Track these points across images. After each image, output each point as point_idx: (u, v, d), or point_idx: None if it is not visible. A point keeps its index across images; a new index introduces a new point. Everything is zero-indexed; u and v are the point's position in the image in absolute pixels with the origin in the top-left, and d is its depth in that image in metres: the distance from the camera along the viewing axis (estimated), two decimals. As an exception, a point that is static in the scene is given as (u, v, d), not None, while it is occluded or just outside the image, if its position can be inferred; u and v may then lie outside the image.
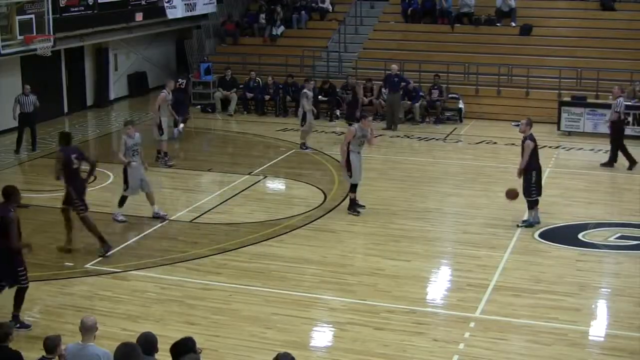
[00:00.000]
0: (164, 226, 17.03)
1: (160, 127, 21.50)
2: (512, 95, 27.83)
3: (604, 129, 23.67)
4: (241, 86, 29.16)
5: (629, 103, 24.73)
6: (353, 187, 17.85)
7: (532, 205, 16.91)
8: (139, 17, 29.06)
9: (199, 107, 29.62)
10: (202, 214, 17.99)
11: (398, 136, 25.52)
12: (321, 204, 18.57)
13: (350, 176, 17.71)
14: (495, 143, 24.41)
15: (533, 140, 16.82)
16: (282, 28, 32.48)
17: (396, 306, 13.27)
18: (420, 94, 27.35)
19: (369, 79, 28.17)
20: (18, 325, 12.21)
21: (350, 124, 23.01)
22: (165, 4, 29.42)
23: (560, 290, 13.89)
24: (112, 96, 30.69)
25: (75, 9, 26.08)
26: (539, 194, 16.98)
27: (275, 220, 17.54)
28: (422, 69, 28.40)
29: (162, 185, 19.87)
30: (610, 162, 21.53)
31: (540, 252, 15.71)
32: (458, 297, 13.69)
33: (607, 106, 23.12)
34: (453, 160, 22.69)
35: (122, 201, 17.39)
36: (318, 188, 19.59)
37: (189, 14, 30.95)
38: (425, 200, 18.99)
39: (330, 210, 18.14)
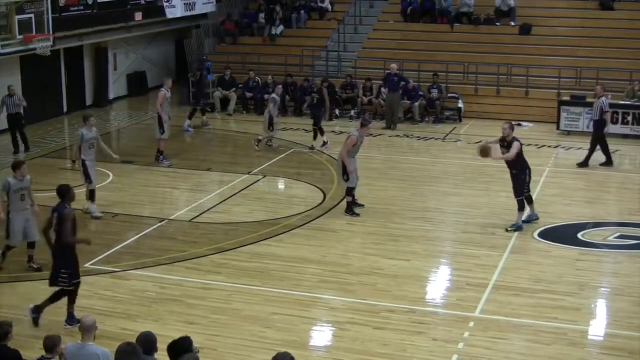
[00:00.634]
0: (163, 225, 17.03)
1: (161, 126, 21.50)
2: (512, 95, 27.84)
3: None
4: (240, 85, 29.18)
5: (629, 102, 24.80)
6: (349, 190, 17.86)
7: (522, 206, 16.90)
8: (138, 16, 29.08)
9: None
10: (202, 214, 17.99)
11: (397, 135, 25.52)
12: (320, 204, 18.57)
13: (347, 180, 17.73)
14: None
15: (519, 142, 16.92)
16: (281, 27, 32.47)
17: (396, 305, 13.27)
18: (420, 93, 27.35)
19: (368, 78, 28.21)
20: (34, 315, 12.44)
21: (318, 128, 23.07)
22: (165, 4, 29.40)
23: (560, 289, 13.89)
24: (111, 95, 30.69)
25: (75, 9, 26.12)
26: (529, 190, 17.01)
27: (275, 220, 17.54)
28: (422, 69, 28.40)
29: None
30: (609, 161, 21.53)
31: (539, 252, 15.71)
32: (457, 297, 13.69)
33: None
34: (452, 160, 22.69)
35: (92, 196, 17.49)
36: (317, 187, 19.59)
37: (188, 13, 30.93)
38: (425, 200, 18.99)
39: (330, 210, 18.13)
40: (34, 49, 21.60)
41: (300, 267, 14.94)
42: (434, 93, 27.30)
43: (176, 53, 34.17)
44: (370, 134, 25.19)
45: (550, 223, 17.18)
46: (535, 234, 16.55)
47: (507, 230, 16.72)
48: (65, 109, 28.70)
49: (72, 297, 12.54)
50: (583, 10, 30.68)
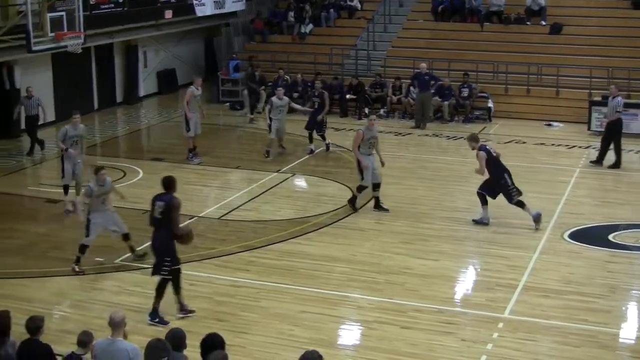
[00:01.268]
0: (193, 222, 17.06)
1: (187, 123, 21.59)
2: (542, 95, 27.68)
3: (636, 128, 23.60)
4: (270, 84, 29.19)
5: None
6: (360, 188, 17.88)
7: (522, 204, 16.84)
8: (168, 14, 29.22)
9: (227, 104, 29.72)
10: (231, 211, 18.03)
11: (427, 135, 25.45)
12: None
13: (362, 179, 17.75)
14: (524, 142, 24.28)
15: (485, 150, 16.86)
16: (310, 26, 32.49)
17: (424, 305, 13.23)
18: (452, 92, 27.28)
19: (397, 78, 28.18)
20: (157, 319, 12.50)
21: (321, 136, 22.78)
22: (195, 2, 29.53)
23: (590, 291, 13.79)
24: (141, 93, 30.85)
25: (106, 7, 26.31)
26: (520, 193, 16.94)
27: (304, 218, 17.56)
28: (451, 68, 28.32)
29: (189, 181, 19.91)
30: (618, 163, 21.37)
31: (569, 253, 15.60)
32: (487, 297, 13.62)
33: (638, 106, 22.97)
34: (482, 160, 22.54)
35: (66, 190, 17.71)
36: (346, 186, 19.55)
37: (218, 11, 31.06)
38: (454, 200, 18.91)
39: (359, 209, 18.11)
40: (66, 46, 21.71)
41: (328, 266, 14.94)
42: (465, 92, 27.21)
43: (206, 51, 34.31)
44: (399, 133, 25.20)
45: (581, 224, 17.07)
46: (566, 235, 16.43)
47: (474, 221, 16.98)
48: (96, 106, 28.88)
49: (162, 291, 12.64)
50: (615, 9, 30.43)
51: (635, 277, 14.66)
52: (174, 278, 12.62)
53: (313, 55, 30.40)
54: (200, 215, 17.69)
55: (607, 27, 29.84)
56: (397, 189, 18.80)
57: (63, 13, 21.25)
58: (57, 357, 9.32)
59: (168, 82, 32.20)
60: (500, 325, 12.58)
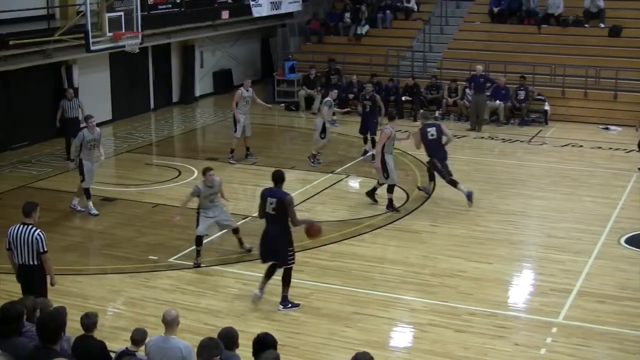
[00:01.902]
0: (247, 222, 17.11)
1: (235, 124, 21.81)
2: (600, 98, 27.33)
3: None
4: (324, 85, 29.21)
5: None
6: (390, 188, 17.96)
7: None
8: (225, 15, 29.38)
9: (282, 105, 29.80)
10: (285, 212, 18.03)
11: (482, 137, 25.29)
12: (403, 204, 18.48)
13: (387, 177, 17.82)
14: (581, 146, 24.00)
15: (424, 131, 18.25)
16: (366, 27, 32.45)
17: (477, 309, 13.14)
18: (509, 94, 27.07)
19: (453, 80, 28.03)
20: (290, 305, 13.03)
21: (371, 138, 22.56)
22: (251, 2, 29.65)
23: (647, 298, 13.60)
24: (197, 93, 31.05)
25: (163, 7, 26.57)
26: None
27: (357, 220, 17.55)
28: (508, 70, 28.08)
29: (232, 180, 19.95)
30: None
31: (626, 259, 15.36)
32: (541, 302, 13.50)
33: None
34: (538, 163, 22.36)
35: (87, 194, 17.87)
36: (400, 188, 19.48)
37: (275, 12, 31.14)
38: (510, 203, 18.75)
39: (413, 211, 18.06)
40: (123, 46, 21.94)
41: (381, 268, 14.92)
42: (521, 95, 26.98)
43: (262, 52, 34.45)
44: (455, 135, 25.04)
45: (638, 229, 16.80)
46: (622, 240, 16.21)
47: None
48: (152, 106, 29.16)
49: (288, 280, 13.16)
50: (676, 12, 29.97)
51: (693, 284, 14.41)
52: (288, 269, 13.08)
53: (369, 57, 30.37)
54: (254, 215, 17.70)
55: (667, 29, 29.39)
56: (452, 192, 18.68)
57: (121, 13, 21.47)
58: (111, 353, 9.42)
59: (224, 83, 32.36)
60: (554, 330, 12.45)
